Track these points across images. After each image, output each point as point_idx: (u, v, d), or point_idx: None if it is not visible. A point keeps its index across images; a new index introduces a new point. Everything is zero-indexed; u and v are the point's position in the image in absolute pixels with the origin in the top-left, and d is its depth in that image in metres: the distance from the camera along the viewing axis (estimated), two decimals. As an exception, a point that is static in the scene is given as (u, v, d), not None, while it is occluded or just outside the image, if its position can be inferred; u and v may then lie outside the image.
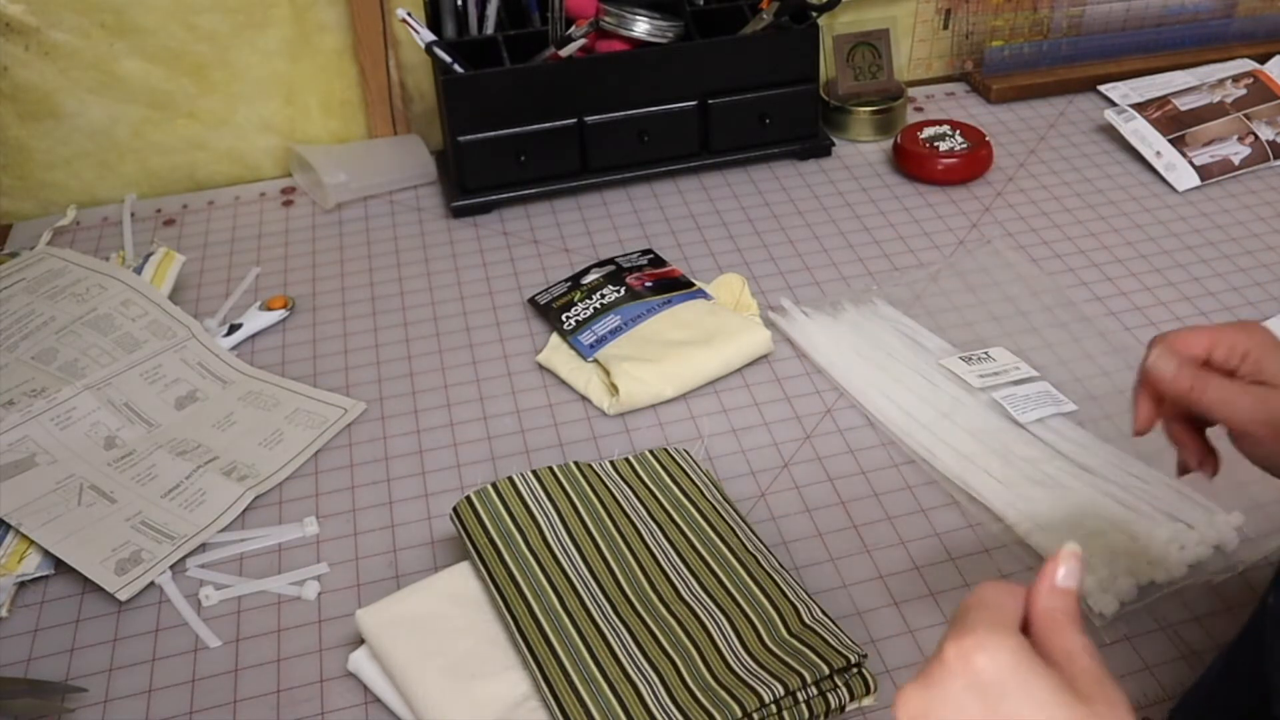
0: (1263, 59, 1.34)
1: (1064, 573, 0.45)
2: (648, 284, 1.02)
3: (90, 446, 0.88)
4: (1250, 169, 1.20)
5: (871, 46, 1.31)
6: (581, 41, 1.11)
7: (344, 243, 1.14)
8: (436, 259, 1.11)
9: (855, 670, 0.68)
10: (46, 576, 0.80)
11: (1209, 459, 0.64)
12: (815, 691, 0.66)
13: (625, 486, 0.80)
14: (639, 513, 0.78)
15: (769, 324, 0.99)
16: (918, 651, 0.72)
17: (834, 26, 1.30)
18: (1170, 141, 1.21)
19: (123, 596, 0.77)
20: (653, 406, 0.92)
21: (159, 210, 1.20)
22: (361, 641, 0.72)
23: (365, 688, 0.71)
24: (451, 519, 0.78)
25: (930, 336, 0.97)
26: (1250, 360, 0.59)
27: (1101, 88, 1.35)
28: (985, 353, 0.94)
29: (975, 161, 1.20)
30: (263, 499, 0.85)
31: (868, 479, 0.85)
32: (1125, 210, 1.15)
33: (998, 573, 0.77)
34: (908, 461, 0.86)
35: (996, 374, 0.91)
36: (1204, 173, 1.18)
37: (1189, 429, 0.64)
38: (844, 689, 0.67)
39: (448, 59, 1.11)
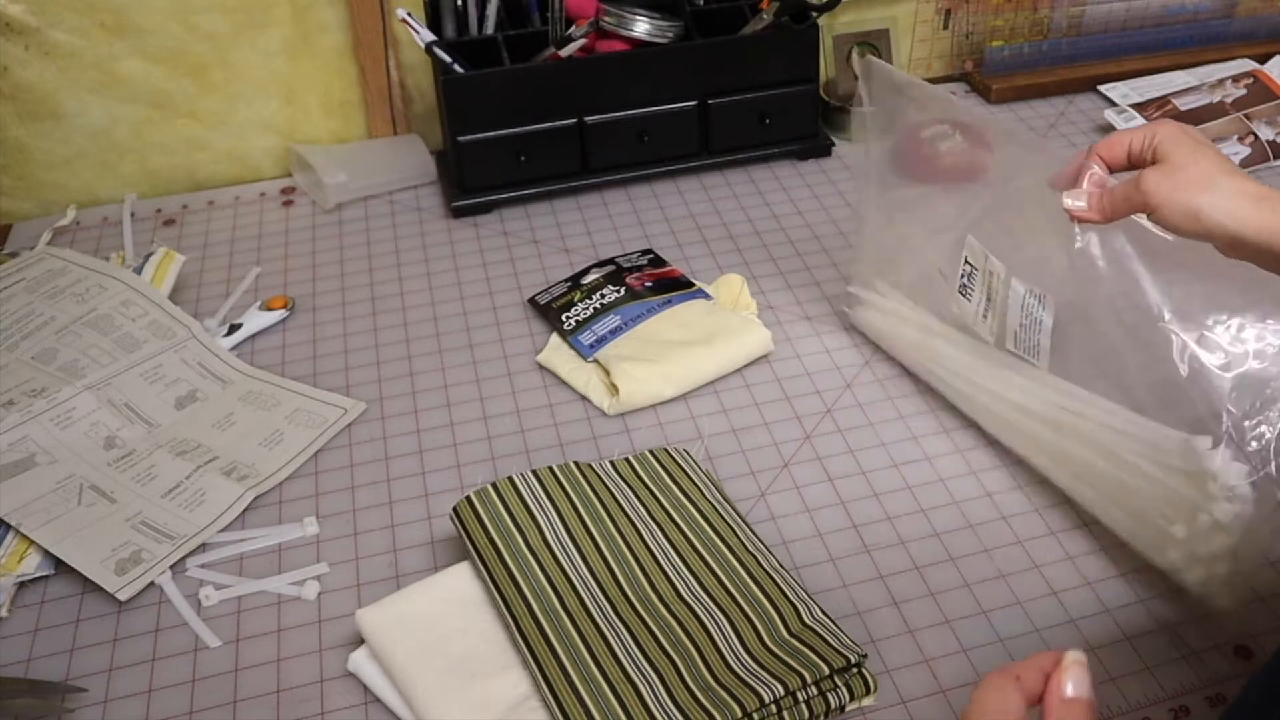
0: (1263, 59, 1.34)
1: (1072, 686, 0.47)
2: (648, 284, 1.02)
3: (90, 446, 0.88)
4: (1250, 169, 1.20)
5: (871, 46, 1.31)
6: (581, 41, 1.11)
7: (344, 243, 1.14)
8: (436, 259, 1.11)
9: (855, 670, 0.68)
10: (46, 576, 0.80)
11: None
12: (815, 691, 0.66)
13: (625, 486, 0.80)
14: (639, 513, 0.78)
15: (769, 324, 0.99)
16: (918, 651, 0.72)
17: (834, 26, 1.30)
18: (1170, 141, 1.21)
19: (123, 596, 0.77)
20: (653, 406, 0.92)
21: (159, 210, 1.20)
22: (361, 641, 0.72)
23: (365, 688, 0.71)
24: (451, 519, 0.78)
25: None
26: (1154, 148, 0.68)
27: (1101, 88, 1.35)
28: (967, 261, 0.83)
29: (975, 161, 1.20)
30: (263, 499, 0.85)
31: (867, 479, 0.85)
32: (1125, 210, 1.15)
33: (998, 572, 0.77)
34: (907, 462, 0.86)
35: (990, 299, 0.82)
36: (1204, 173, 1.18)
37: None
38: (844, 689, 0.67)
39: (448, 59, 1.11)
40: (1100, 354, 0.76)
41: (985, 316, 0.82)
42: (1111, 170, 0.71)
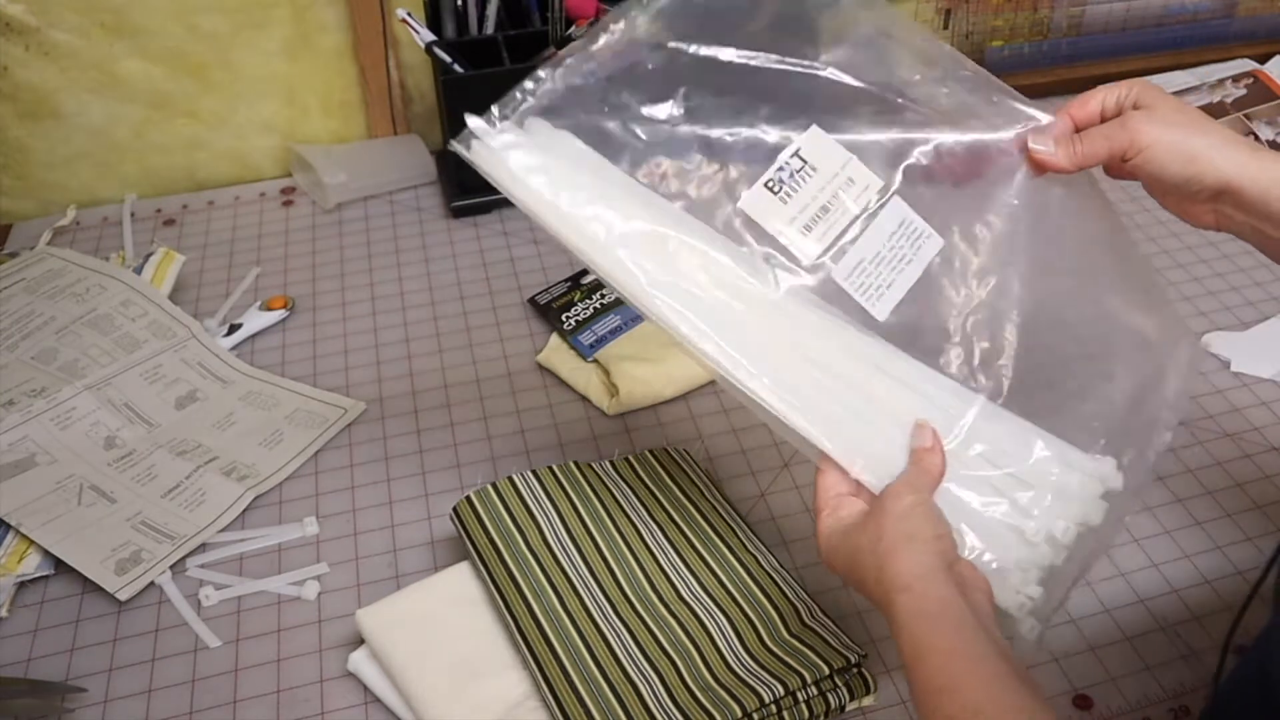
0: (1263, 59, 1.34)
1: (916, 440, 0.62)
2: (648, 284, 1.01)
3: (90, 446, 0.87)
4: (1250, 169, 1.20)
5: (871, 46, 1.31)
6: (581, 41, 1.11)
7: (344, 243, 1.14)
8: (436, 259, 1.11)
9: (855, 670, 0.68)
10: (46, 576, 0.80)
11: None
12: (815, 691, 0.66)
13: (625, 486, 0.80)
14: (639, 513, 0.78)
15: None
16: (918, 651, 0.72)
17: (834, 26, 1.30)
18: (1170, 141, 1.21)
19: (123, 596, 0.77)
20: (653, 406, 0.92)
21: (159, 210, 1.20)
22: (361, 641, 0.72)
23: (365, 688, 0.71)
24: (451, 519, 0.78)
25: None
26: (1129, 101, 0.63)
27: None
28: (798, 155, 0.65)
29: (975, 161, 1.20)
30: (263, 499, 0.85)
31: (868, 479, 0.85)
32: (1125, 210, 1.15)
33: (998, 573, 0.77)
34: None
35: (826, 209, 0.65)
36: (1204, 173, 1.18)
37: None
38: (844, 689, 0.67)
39: (448, 59, 1.11)
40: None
41: (808, 229, 0.64)
42: (1079, 131, 0.65)
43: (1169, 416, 0.67)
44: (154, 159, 1.22)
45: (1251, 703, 0.59)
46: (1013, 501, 0.62)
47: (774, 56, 0.66)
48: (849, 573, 0.59)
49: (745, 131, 0.65)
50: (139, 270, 1.03)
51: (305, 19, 1.18)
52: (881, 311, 0.64)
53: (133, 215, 1.18)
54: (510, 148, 0.64)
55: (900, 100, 0.66)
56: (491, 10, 1.17)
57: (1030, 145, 0.64)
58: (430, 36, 1.11)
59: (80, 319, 0.97)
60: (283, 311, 1.03)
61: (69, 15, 1.12)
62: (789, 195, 0.65)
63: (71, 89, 1.15)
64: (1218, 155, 0.60)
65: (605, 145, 0.65)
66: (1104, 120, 0.64)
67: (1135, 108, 0.63)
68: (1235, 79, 1.27)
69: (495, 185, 0.65)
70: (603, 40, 0.65)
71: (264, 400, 0.93)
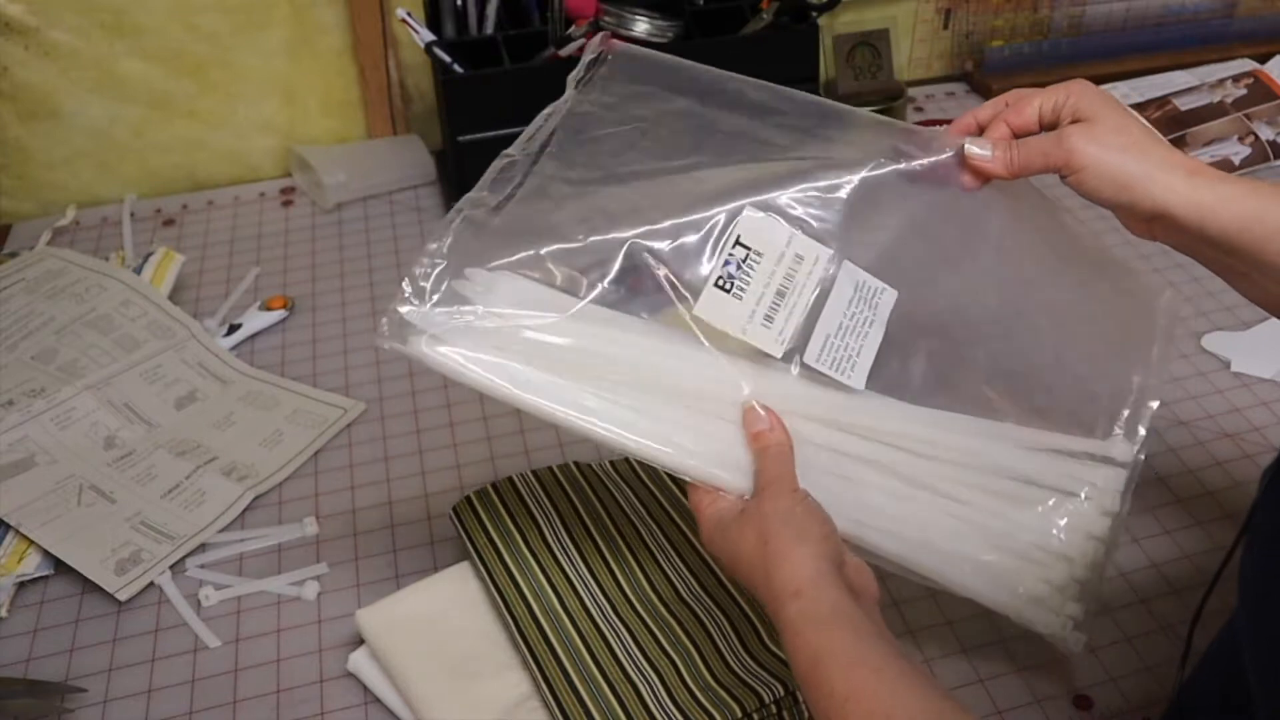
0: (1263, 59, 1.34)
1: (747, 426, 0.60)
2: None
3: (90, 446, 0.87)
4: (1250, 169, 1.20)
5: (871, 46, 1.31)
6: (581, 41, 1.11)
7: (344, 243, 1.14)
8: (436, 259, 1.11)
9: (855, 670, 0.68)
10: (46, 576, 0.80)
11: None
12: (815, 691, 0.66)
13: (625, 486, 0.80)
14: (639, 513, 0.78)
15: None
16: (918, 651, 0.72)
17: (834, 26, 1.30)
18: (1171, 141, 1.21)
19: (122, 596, 0.77)
20: (653, 406, 0.92)
21: (159, 210, 1.20)
22: (361, 641, 0.72)
23: (365, 688, 0.71)
24: (451, 519, 0.78)
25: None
26: (1068, 110, 0.62)
27: (1101, 88, 1.35)
28: (740, 243, 0.61)
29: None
30: (262, 499, 0.85)
31: (868, 479, 0.85)
32: (1125, 210, 1.15)
33: (998, 573, 0.77)
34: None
35: (781, 294, 0.62)
36: (1204, 173, 1.18)
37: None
38: (844, 689, 0.67)
39: (447, 59, 1.11)
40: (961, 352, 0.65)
41: (769, 320, 0.61)
42: (1017, 137, 0.63)
43: (1155, 385, 0.69)
44: (154, 159, 1.22)
45: (1223, 682, 0.60)
46: (1036, 517, 0.64)
47: (678, 162, 0.63)
48: (732, 567, 0.58)
49: (680, 230, 0.61)
50: (139, 270, 1.03)
51: (305, 19, 1.18)
52: (858, 380, 0.62)
53: (132, 215, 1.18)
54: (440, 342, 0.59)
55: (814, 159, 0.64)
56: (491, 10, 1.17)
57: (967, 149, 0.63)
58: (430, 36, 1.11)
59: (80, 319, 0.97)
60: (282, 311, 1.03)
61: (69, 15, 1.12)
62: (742, 290, 0.61)
63: (71, 89, 1.15)
64: (1152, 182, 0.58)
65: (539, 281, 0.61)
66: (1041, 126, 0.63)
67: (1075, 118, 0.61)
68: (1235, 79, 1.27)
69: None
70: (500, 184, 0.68)
71: (264, 400, 0.93)
